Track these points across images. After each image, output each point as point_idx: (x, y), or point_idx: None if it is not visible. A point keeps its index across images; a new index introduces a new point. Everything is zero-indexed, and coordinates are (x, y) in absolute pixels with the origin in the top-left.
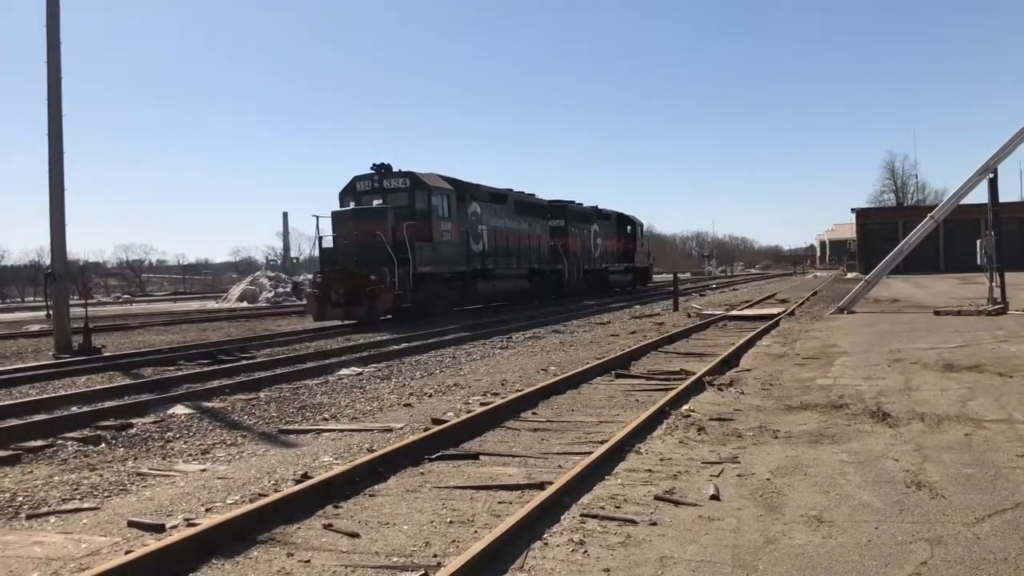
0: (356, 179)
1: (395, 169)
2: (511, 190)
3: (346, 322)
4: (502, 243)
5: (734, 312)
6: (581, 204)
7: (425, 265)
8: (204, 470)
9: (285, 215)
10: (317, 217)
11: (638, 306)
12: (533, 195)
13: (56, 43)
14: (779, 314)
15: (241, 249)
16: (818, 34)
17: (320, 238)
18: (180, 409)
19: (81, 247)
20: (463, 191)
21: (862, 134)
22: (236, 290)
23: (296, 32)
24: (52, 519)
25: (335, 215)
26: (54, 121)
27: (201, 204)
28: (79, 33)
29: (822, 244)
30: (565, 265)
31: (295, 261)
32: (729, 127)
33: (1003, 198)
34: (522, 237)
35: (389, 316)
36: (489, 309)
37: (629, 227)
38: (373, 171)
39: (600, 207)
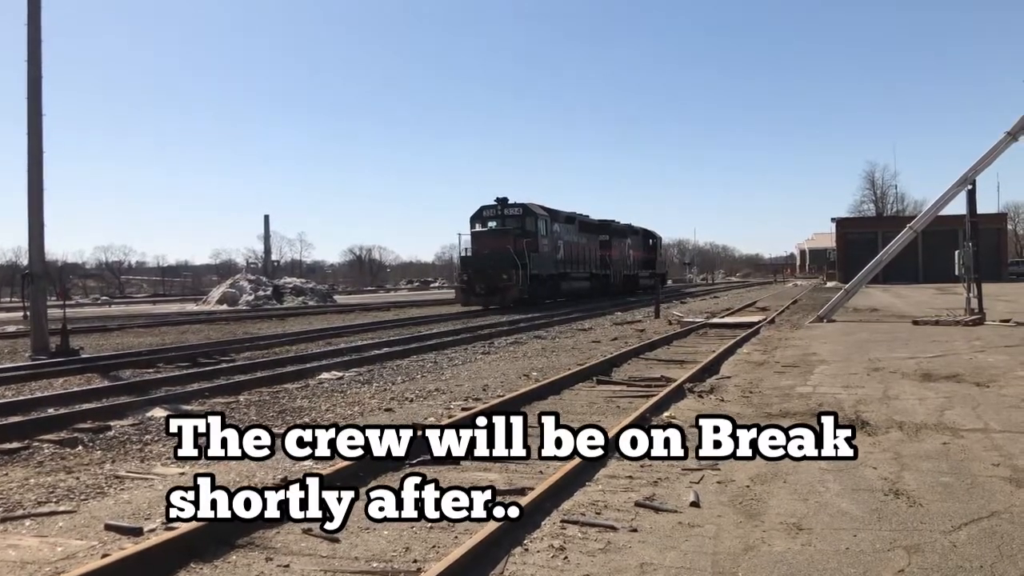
0: (482, 208)
1: (510, 201)
2: (576, 213)
3: (469, 307)
4: (573, 254)
5: (715, 320)
6: (619, 222)
7: (535, 269)
8: (183, 473)
9: (266, 218)
10: (460, 235)
11: (620, 313)
12: (588, 216)
13: (37, 40)
14: (759, 322)
15: (222, 252)
16: (800, 41)
17: (465, 249)
18: (159, 412)
19: (59, 248)
20: (550, 215)
21: (843, 144)
22: (216, 293)
23: (283, 36)
24: (27, 522)
25: (474, 234)
26: (34, 120)
27: (182, 206)
28: (65, 32)
29: (802, 253)
30: (611, 271)
31: (276, 264)
32: (711, 136)
33: (981, 209)
34: (584, 250)
35: (511, 305)
36: (561, 303)
37: (651, 240)
38: (496, 203)
39: (632, 224)
